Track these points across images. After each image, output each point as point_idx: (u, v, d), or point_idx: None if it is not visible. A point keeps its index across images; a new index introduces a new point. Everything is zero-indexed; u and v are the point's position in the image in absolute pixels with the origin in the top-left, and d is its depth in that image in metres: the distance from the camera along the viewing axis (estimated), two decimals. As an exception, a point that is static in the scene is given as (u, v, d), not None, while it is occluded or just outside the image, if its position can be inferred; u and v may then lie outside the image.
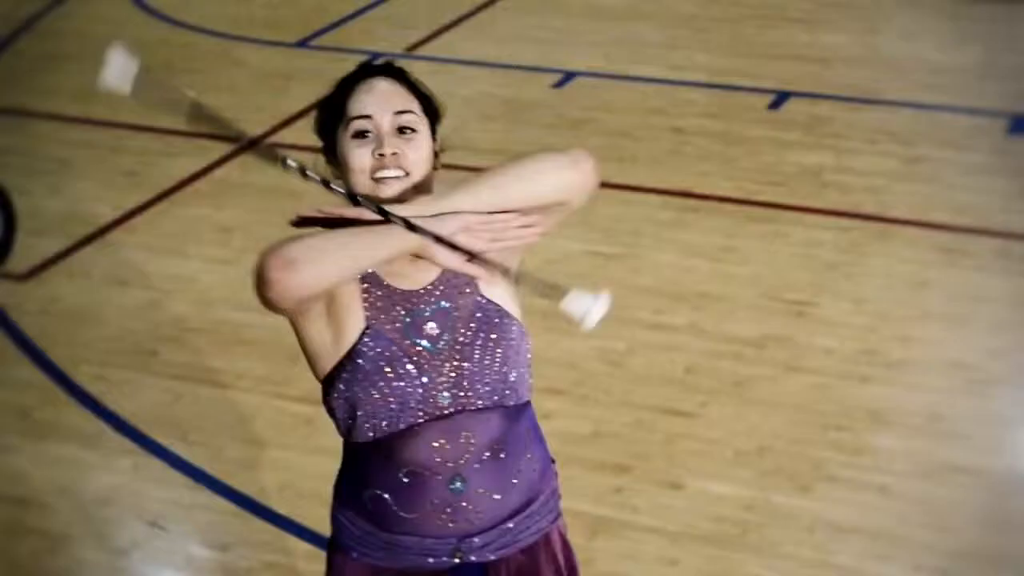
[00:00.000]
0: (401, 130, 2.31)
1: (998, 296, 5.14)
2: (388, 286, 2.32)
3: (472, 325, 2.30)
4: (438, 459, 2.30)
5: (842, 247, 5.50)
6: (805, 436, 4.39)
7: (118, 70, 2.17)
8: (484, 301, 2.33)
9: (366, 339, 2.28)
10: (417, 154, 2.30)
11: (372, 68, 2.39)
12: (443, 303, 2.31)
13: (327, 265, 2.20)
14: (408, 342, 2.29)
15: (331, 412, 2.39)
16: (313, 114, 2.45)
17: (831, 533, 3.98)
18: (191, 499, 4.25)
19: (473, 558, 2.37)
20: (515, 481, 2.36)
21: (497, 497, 2.35)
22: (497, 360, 2.31)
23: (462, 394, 2.29)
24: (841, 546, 3.93)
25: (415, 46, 7.63)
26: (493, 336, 2.31)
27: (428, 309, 2.31)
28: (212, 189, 6.26)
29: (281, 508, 4.17)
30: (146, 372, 4.90)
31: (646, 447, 4.37)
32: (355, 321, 2.31)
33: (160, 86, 2.23)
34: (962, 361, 4.75)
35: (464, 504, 2.33)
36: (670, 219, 5.74)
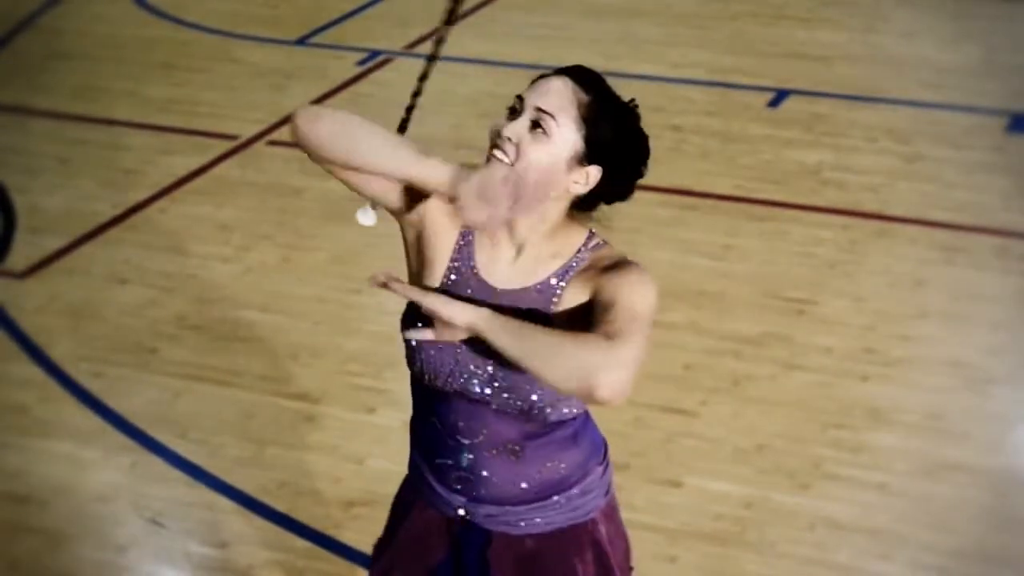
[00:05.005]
0: (535, 125, 2.26)
1: (997, 294, 5.14)
2: (474, 269, 2.34)
3: None
4: (455, 429, 2.37)
5: (841, 245, 5.50)
6: (804, 434, 4.39)
7: None
8: None
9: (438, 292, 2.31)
10: (532, 155, 2.24)
11: (564, 68, 2.33)
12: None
13: (343, 140, 2.27)
14: None
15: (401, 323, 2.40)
16: None
17: (830, 531, 3.98)
18: (190, 497, 4.25)
19: (478, 522, 2.44)
20: (524, 484, 2.40)
21: (502, 486, 2.40)
22: (528, 379, 2.24)
23: (490, 392, 2.30)
24: (840, 544, 3.93)
25: (414, 44, 7.63)
26: None
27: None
28: (211, 187, 6.26)
29: (280, 506, 4.17)
30: (145, 370, 4.90)
31: (645, 445, 4.37)
32: (439, 270, 2.36)
33: None
34: (961, 359, 4.75)
35: (470, 478, 2.40)
36: (669, 217, 5.74)
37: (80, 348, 5.03)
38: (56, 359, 4.97)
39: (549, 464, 2.39)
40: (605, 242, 2.38)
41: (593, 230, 2.38)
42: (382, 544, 2.67)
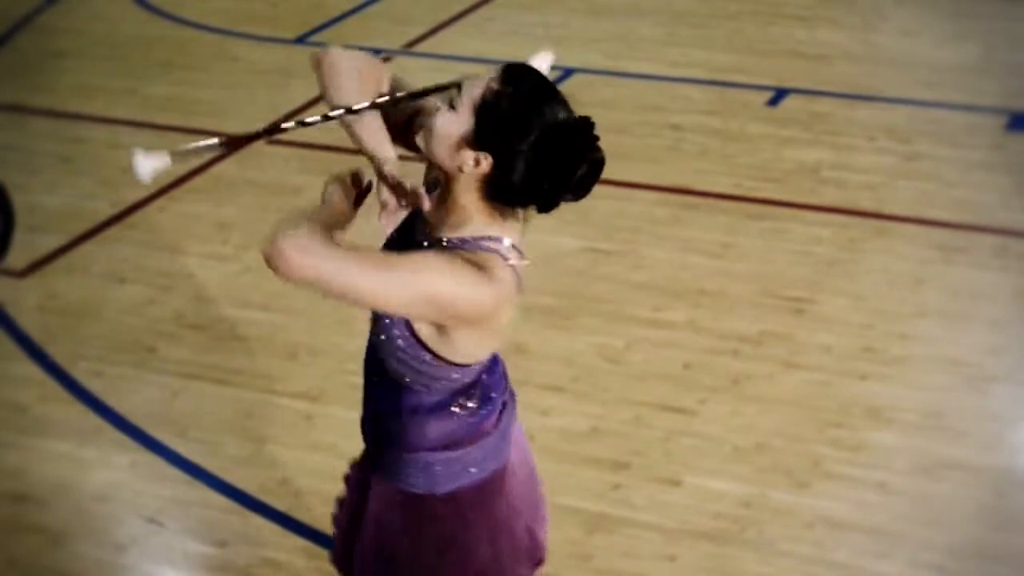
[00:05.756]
0: (450, 98, 2.39)
1: (996, 293, 5.14)
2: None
3: None
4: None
5: (840, 244, 5.50)
6: (803, 433, 4.40)
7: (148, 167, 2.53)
8: None
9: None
10: (435, 121, 2.38)
11: (510, 63, 2.45)
12: None
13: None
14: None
15: None
16: None
17: (829, 530, 3.98)
18: (189, 495, 4.25)
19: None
20: (370, 422, 2.59)
21: (365, 413, 2.60)
22: (382, 318, 2.42)
23: (374, 317, 2.47)
24: (839, 543, 3.93)
25: (413, 42, 7.62)
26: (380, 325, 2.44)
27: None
28: (210, 186, 6.25)
29: (279, 505, 4.17)
30: (144, 368, 4.90)
31: (644, 444, 4.37)
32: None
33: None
34: (960, 358, 4.75)
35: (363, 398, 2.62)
36: (668, 216, 5.74)
37: (79, 347, 5.03)
38: (55, 358, 4.97)
39: (388, 417, 2.51)
40: (502, 256, 2.35)
41: (510, 243, 2.37)
42: None
